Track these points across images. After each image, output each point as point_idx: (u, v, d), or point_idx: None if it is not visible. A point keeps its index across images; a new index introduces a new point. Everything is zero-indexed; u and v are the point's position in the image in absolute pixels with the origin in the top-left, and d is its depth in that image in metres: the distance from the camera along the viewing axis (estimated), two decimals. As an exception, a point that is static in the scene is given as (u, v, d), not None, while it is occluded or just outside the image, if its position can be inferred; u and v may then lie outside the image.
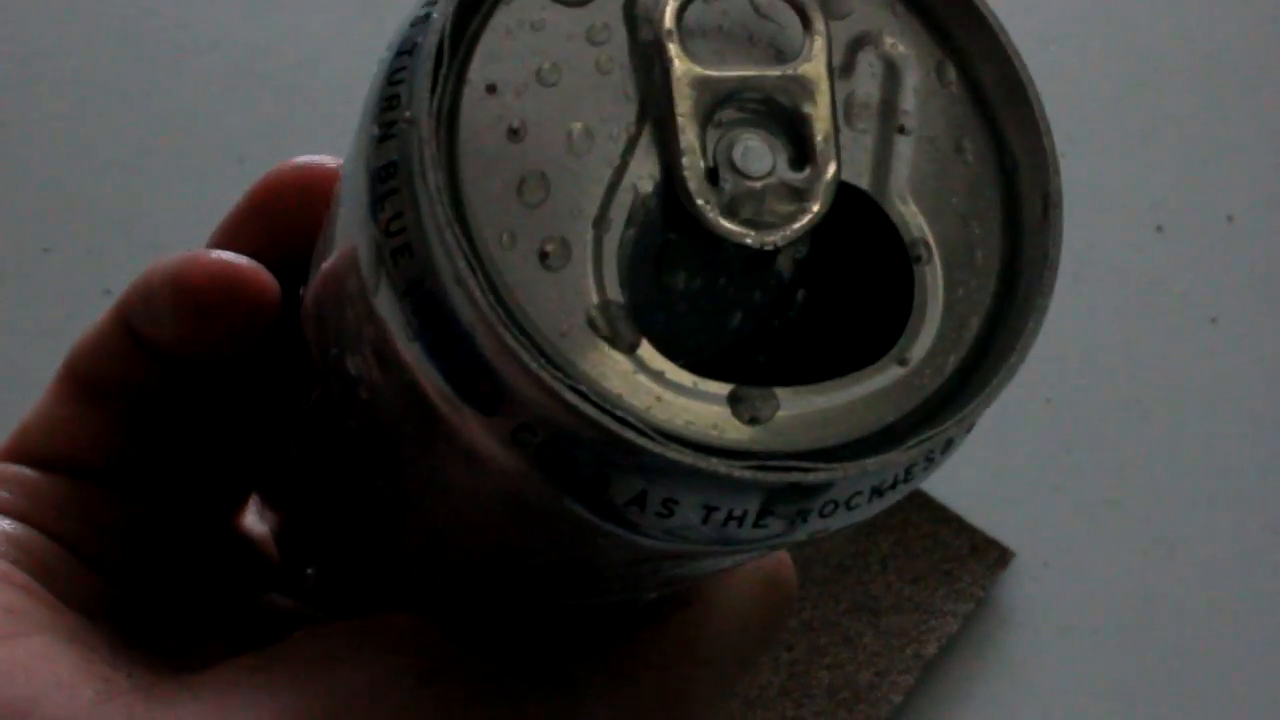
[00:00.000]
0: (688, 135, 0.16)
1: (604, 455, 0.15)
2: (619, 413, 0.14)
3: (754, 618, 0.22)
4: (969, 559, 0.52)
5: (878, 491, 0.16)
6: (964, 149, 0.17)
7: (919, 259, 0.16)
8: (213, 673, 0.18)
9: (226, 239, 0.22)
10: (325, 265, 0.17)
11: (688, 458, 0.14)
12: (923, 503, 0.53)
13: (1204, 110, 0.65)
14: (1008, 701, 0.51)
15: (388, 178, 0.15)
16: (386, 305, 0.15)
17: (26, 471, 0.22)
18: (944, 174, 0.17)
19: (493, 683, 0.19)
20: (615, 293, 0.15)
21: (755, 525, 0.15)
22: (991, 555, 0.52)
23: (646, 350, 0.15)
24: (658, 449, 0.14)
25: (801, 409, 0.15)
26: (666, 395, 0.15)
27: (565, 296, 0.15)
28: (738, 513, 0.15)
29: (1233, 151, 0.64)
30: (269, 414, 0.23)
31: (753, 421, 0.15)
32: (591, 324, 0.15)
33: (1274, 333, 0.59)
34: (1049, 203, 0.17)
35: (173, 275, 0.21)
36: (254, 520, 0.26)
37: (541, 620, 0.21)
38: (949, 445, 0.16)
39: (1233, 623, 0.52)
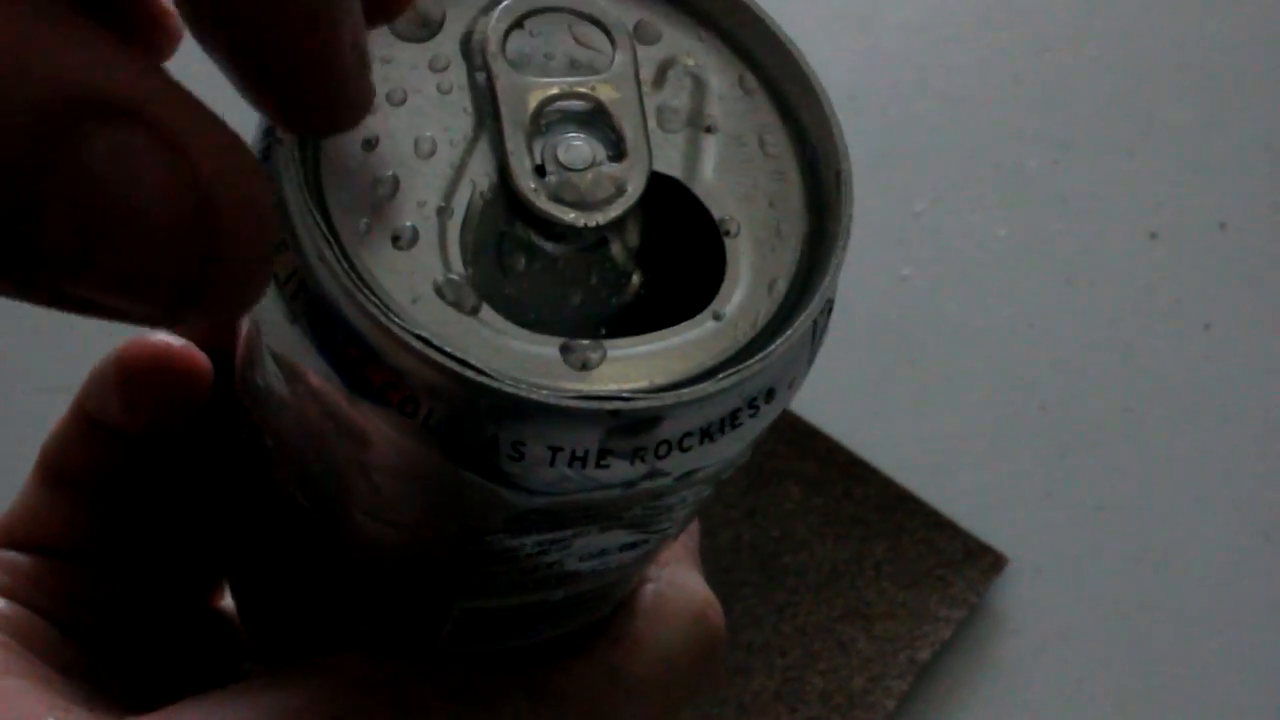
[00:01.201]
0: (515, 137, 0.18)
1: (453, 399, 0.17)
2: (459, 354, 0.17)
3: (682, 656, 0.23)
4: (963, 565, 0.52)
5: (707, 434, 0.18)
6: (766, 143, 0.20)
7: (729, 233, 0.19)
8: (168, 708, 0.20)
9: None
10: None
11: (522, 390, 0.17)
12: (916, 508, 0.53)
13: (1198, 117, 0.65)
14: (1001, 707, 0.51)
15: None
16: (271, 298, 0.18)
17: (11, 554, 0.24)
18: (749, 164, 0.20)
19: (421, 702, 0.21)
20: (459, 268, 0.18)
21: (598, 466, 0.17)
22: (985, 561, 0.52)
23: (487, 313, 0.18)
24: (494, 384, 0.17)
25: (627, 356, 0.18)
26: (505, 347, 0.17)
27: (415, 271, 0.18)
28: (579, 452, 0.17)
29: (1226, 159, 0.64)
30: (220, 482, 0.25)
31: (583, 368, 0.18)
32: (439, 292, 0.17)
33: (1268, 339, 0.59)
34: (841, 180, 0.19)
35: (117, 361, 0.23)
36: (229, 599, 0.28)
37: (466, 643, 0.22)
38: (771, 394, 0.19)
39: (1226, 628, 0.52)
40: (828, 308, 0.19)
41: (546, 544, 0.20)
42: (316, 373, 0.18)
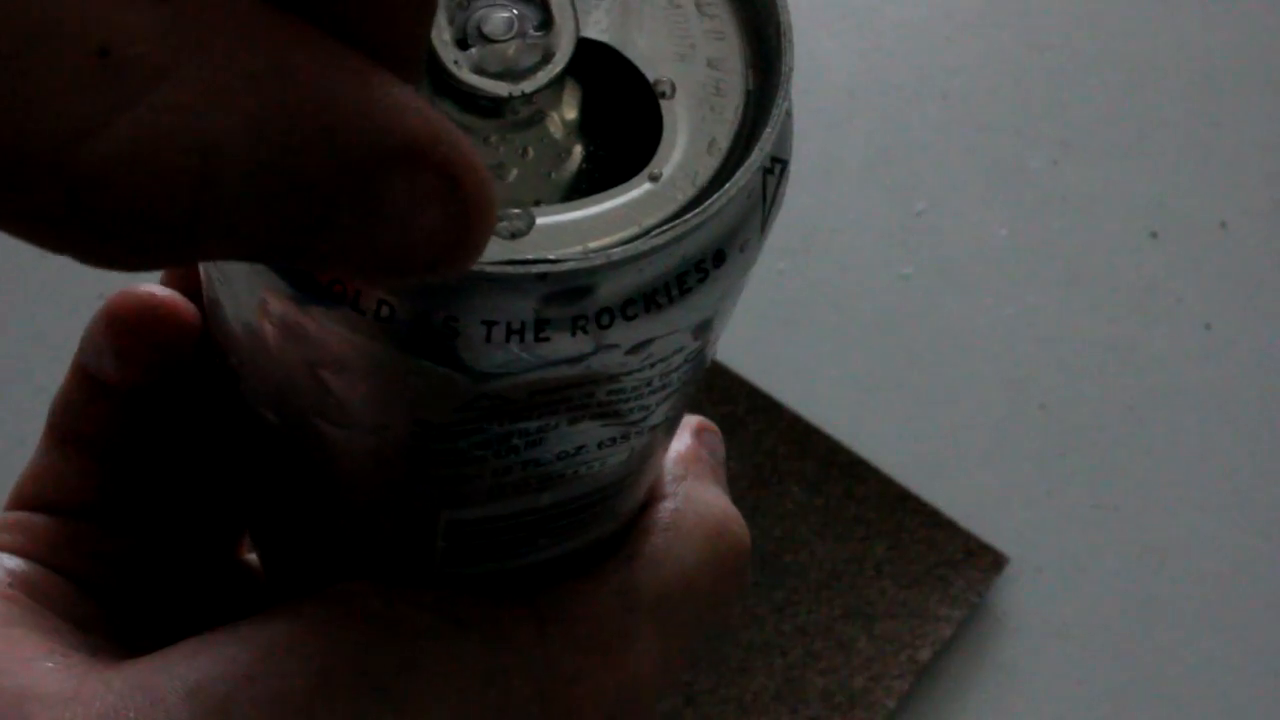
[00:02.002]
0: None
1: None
2: None
3: (701, 573, 0.22)
4: (963, 564, 0.52)
5: (652, 300, 0.18)
6: (703, 4, 0.20)
7: (664, 95, 0.19)
8: (167, 649, 0.20)
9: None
10: None
11: None
12: (917, 508, 0.53)
13: (1198, 117, 0.65)
14: (1002, 706, 0.51)
15: None
16: None
17: (27, 515, 0.24)
18: (685, 25, 0.20)
19: (420, 630, 0.20)
20: None
21: (538, 339, 0.17)
22: (986, 560, 0.52)
23: None
24: None
25: (559, 224, 0.17)
26: None
27: None
28: (515, 325, 0.17)
29: (1227, 158, 0.64)
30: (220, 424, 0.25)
31: (513, 236, 0.17)
32: None
33: (1268, 339, 0.59)
34: (780, 33, 0.19)
35: (105, 313, 0.24)
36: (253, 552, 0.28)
37: (463, 562, 0.22)
38: (720, 256, 0.18)
39: (1226, 627, 0.52)
40: (778, 168, 0.19)
41: (514, 438, 0.19)
42: (265, 282, 0.18)
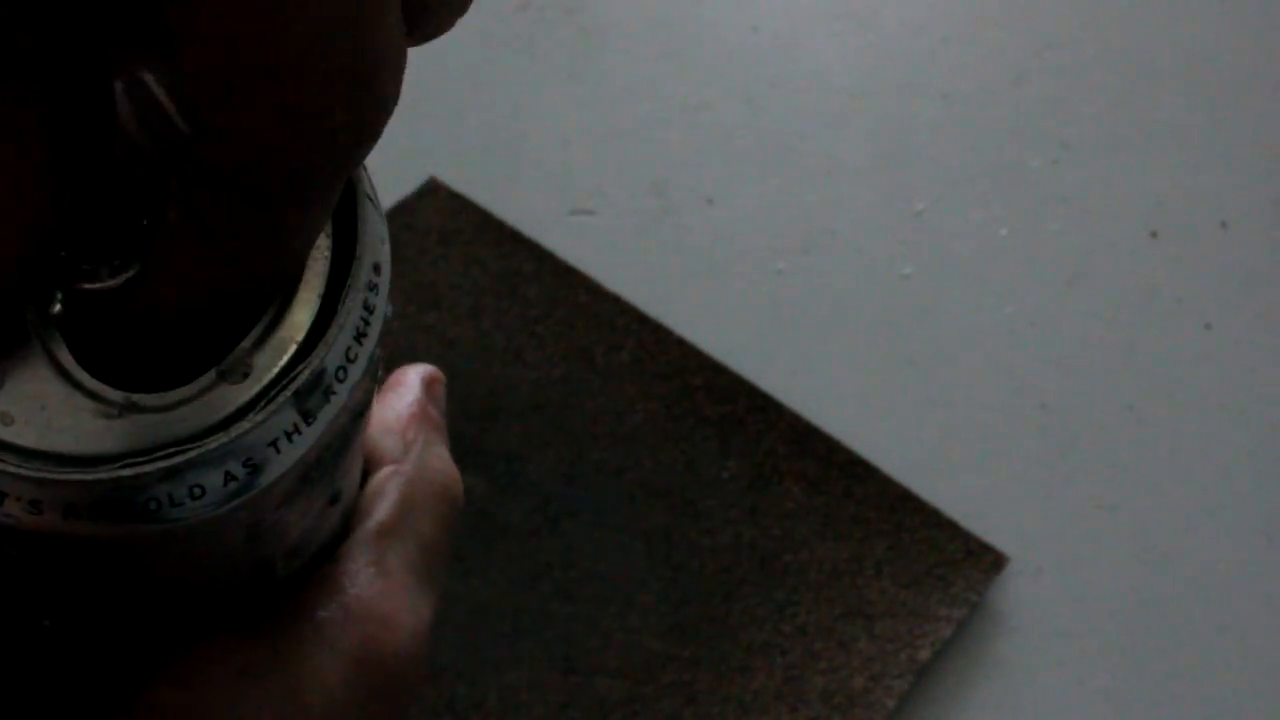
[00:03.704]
0: None
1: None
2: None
3: (437, 539, 0.25)
4: (963, 564, 0.52)
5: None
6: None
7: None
8: None
9: None
10: None
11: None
12: (917, 508, 0.53)
13: (1198, 116, 0.65)
14: (1002, 706, 0.51)
15: None
16: None
17: None
18: None
19: (213, 678, 0.22)
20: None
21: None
22: (986, 560, 0.52)
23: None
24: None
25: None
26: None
27: None
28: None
29: (1227, 157, 0.64)
30: None
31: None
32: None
33: (1269, 339, 0.59)
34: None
35: None
36: None
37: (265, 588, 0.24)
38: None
39: (1227, 628, 0.52)
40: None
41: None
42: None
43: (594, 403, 0.55)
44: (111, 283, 0.19)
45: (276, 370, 0.19)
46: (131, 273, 0.19)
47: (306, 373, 0.19)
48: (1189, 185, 0.63)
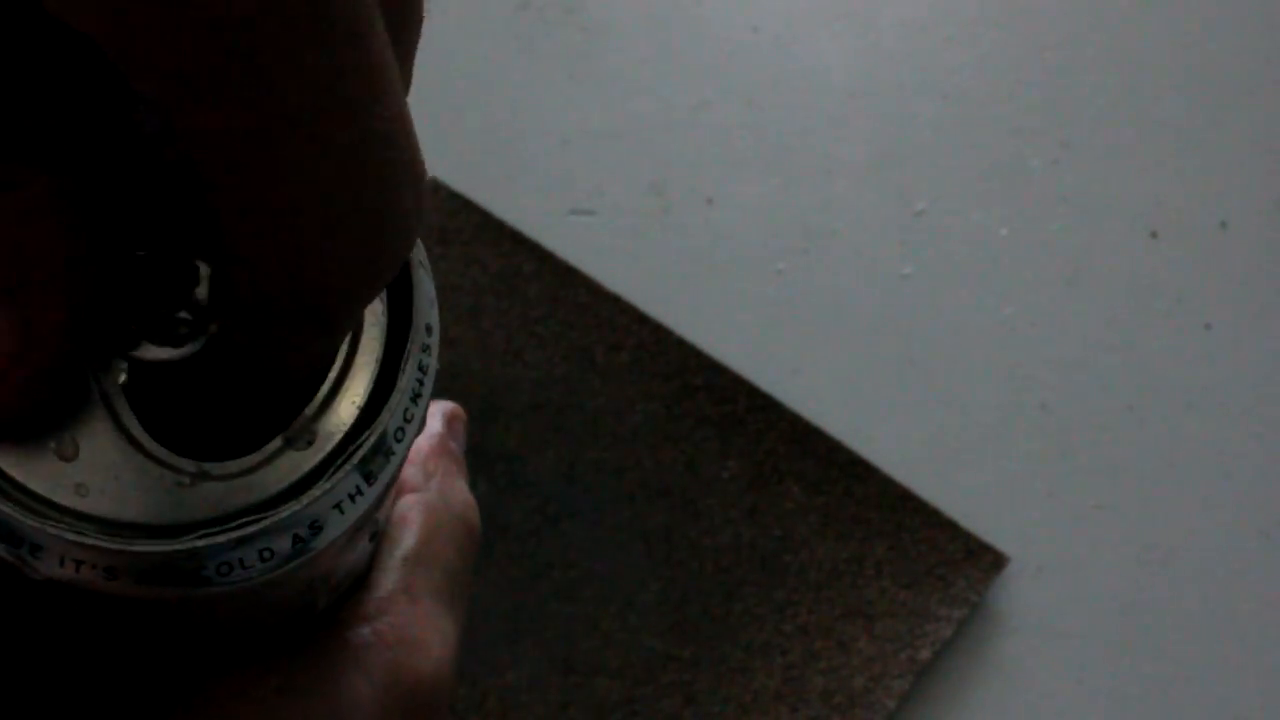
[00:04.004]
0: None
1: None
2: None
3: (459, 567, 0.26)
4: (963, 564, 0.52)
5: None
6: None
7: None
8: None
9: None
10: None
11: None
12: (917, 508, 0.53)
13: (1198, 116, 0.65)
14: (1002, 706, 0.51)
15: None
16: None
17: None
18: None
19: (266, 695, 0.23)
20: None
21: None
22: (986, 560, 0.52)
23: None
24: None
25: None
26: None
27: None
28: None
29: (1227, 157, 0.64)
30: None
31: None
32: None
33: (1268, 339, 0.59)
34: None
35: None
36: None
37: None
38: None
39: (1227, 628, 0.52)
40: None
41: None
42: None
43: (594, 403, 0.55)
44: (176, 354, 0.19)
45: (340, 436, 0.19)
46: (196, 346, 0.19)
47: (371, 439, 0.19)
48: (1189, 185, 0.63)
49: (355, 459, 0.19)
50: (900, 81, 0.67)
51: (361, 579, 0.25)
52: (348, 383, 0.20)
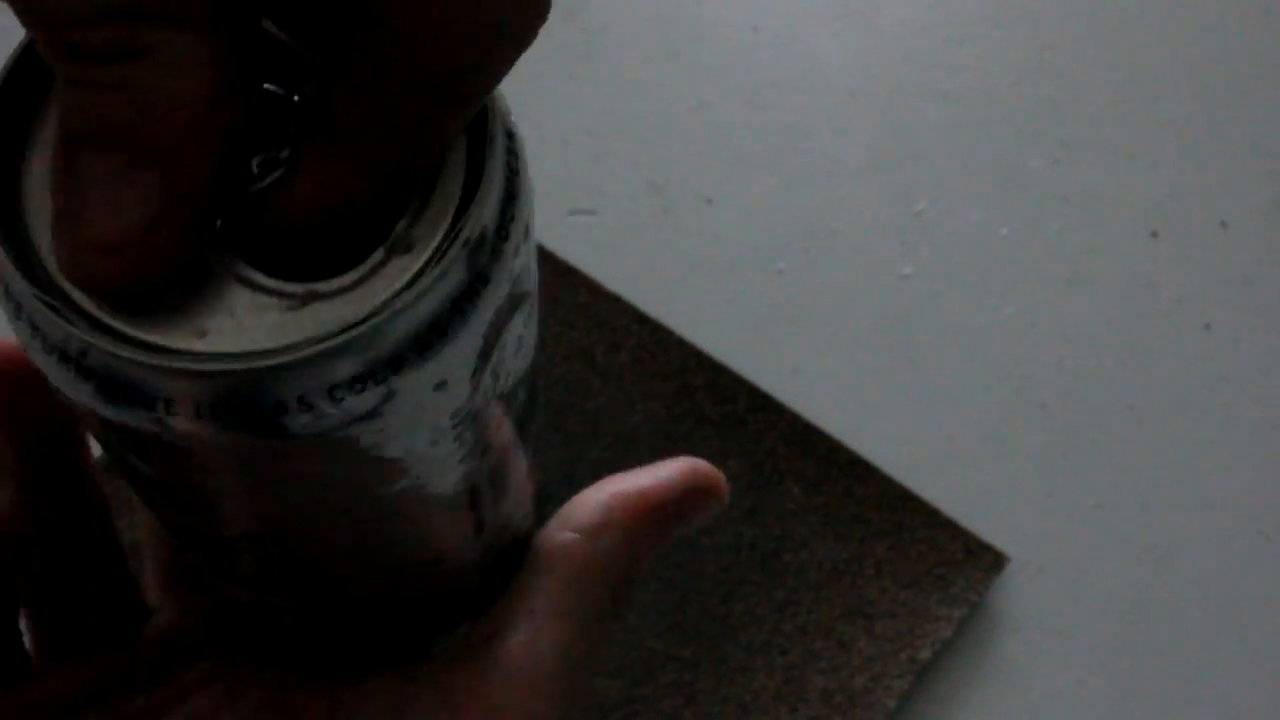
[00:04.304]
0: None
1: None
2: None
3: (604, 615, 0.26)
4: (963, 564, 0.52)
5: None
6: None
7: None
8: None
9: None
10: None
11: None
12: (917, 507, 0.53)
13: (1199, 116, 0.65)
14: (1002, 706, 0.51)
15: None
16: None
17: None
18: None
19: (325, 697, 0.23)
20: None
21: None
22: (986, 560, 0.52)
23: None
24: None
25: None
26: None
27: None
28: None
29: (1228, 157, 0.64)
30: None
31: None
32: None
33: (1268, 339, 0.59)
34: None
35: None
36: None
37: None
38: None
39: (1227, 627, 0.52)
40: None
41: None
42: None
43: (594, 403, 0.55)
44: (263, 184, 0.19)
45: (440, 236, 0.19)
46: (278, 174, 0.19)
47: (471, 227, 0.19)
48: (1189, 185, 0.63)
49: (458, 243, 0.18)
50: (900, 81, 0.67)
51: (523, 545, 0.25)
52: (437, 191, 0.19)
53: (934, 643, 0.51)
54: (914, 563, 0.52)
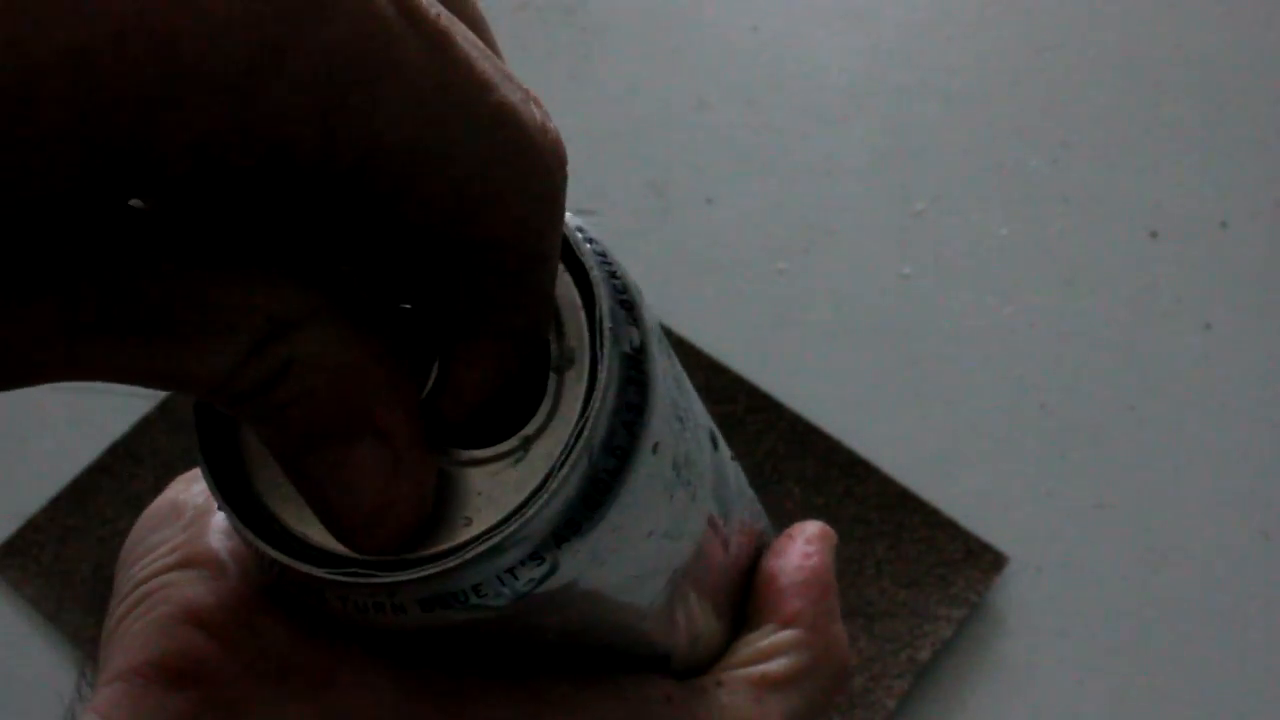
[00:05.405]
0: None
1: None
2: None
3: (821, 702, 0.27)
4: (963, 564, 0.52)
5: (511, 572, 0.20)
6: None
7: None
8: None
9: None
10: None
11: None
12: (917, 508, 0.53)
13: (1198, 116, 0.65)
14: (1001, 706, 0.51)
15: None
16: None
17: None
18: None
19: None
20: None
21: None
22: (986, 560, 0.52)
23: None
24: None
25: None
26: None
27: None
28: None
29: (1227, 158, 0.64)
30: None
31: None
32: None
33: (1267, 339, 0.59)
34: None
35: None
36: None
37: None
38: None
39: (1226, 627, 0.52)
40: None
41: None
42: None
43: (594, 403, 0.55)
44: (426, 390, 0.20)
45: (588, 342, 0.21)
46: (431, 383, 0.20)
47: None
48: (1189, 185, 0.63)
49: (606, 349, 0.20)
50: (900, 81, 0.67)
51: (723, 648, 0.26)
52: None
53: (934, 643, 0.51)
54: (914, 563, 0.52)
